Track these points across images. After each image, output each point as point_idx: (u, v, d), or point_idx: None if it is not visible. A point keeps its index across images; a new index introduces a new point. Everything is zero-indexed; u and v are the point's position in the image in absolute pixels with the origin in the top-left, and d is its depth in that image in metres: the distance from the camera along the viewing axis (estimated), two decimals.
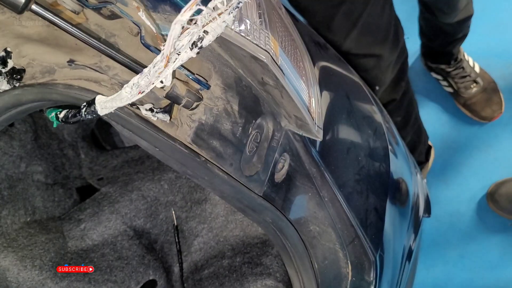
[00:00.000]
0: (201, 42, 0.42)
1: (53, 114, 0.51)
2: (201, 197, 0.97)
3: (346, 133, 0.86)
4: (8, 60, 0.56)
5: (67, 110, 0.50)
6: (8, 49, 0.57)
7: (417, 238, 1.11)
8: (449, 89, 1.79)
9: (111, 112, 0.49)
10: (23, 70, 0.56)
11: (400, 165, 1.04)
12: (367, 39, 1.10)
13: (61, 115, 0.50)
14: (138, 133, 0.52)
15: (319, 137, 0.72)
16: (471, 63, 1.75)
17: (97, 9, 0.54)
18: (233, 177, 0.60)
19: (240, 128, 0.62)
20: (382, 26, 1.12)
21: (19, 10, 0.45)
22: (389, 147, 0.97)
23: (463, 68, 1.72)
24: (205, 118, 0.57)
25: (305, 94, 0.67)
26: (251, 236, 0.96)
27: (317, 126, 0.70)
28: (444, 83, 1.79)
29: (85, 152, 0.97)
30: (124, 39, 0.56)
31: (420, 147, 1.61)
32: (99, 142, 1.08)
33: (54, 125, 0.51)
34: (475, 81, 1.73)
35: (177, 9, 0.51)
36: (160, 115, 0.53)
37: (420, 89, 1.87)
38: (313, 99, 0.70)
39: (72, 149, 0.94)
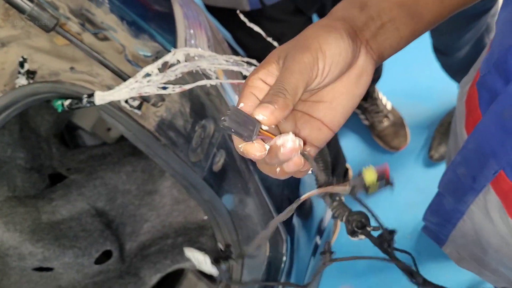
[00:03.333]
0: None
1: (59, 102, 0.73)
2: (152, 189, 1.19)
3: None
4: (25, 64, 0.77)
5: (71, 99, 0.73)
6: (25, 56, 0.79)
7: (322, 239, 1.37)
8: (366, 122, 2.13)
9: (102, 104, 0.72)
10: (35, 72, 0.77)
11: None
12: None
13: (66, 103, 0.72)
14: (119, 119, 0.75)
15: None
16: (384, 101, 2.10)
17: (95, 34, 0.77)
18: (182, 160, 0.84)
19: (190, 125, 0.86)
20: None
21: (49, 30, 0.68)
22: None
23: (377, 105, 2.07)
24: (165, 115, 0.81)
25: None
26: (191, 222, 1.19)
27: None
28: (362, 116, 2.12)
29: (56, 147, 1.17)
30: (111, 55, 0.79)
31: (339, 168, 1.90)
32: (65, 141, 1.28)
33: (59, 110, 0.73)
34: (386, 116, 2.08)
35: (152, 37, 0.76)
36: (135, 110, 0.76)
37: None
38: None
39: (46, 144, 1.14)
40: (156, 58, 0.79)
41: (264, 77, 0.43)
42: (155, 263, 1.10)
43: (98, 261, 1.08)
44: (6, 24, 0.81)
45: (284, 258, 1.10)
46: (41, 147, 1.12)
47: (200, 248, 1.11)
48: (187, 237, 1.14)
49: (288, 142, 0.41)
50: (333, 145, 1.80)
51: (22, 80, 0.76)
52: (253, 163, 1.05)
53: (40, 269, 1.01)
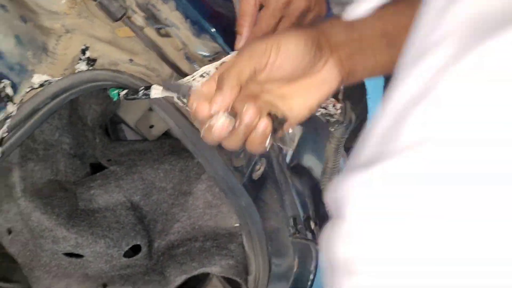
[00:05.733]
0: None
1: (116, 91, 0.75)
2: (187, 190, 1.20)
3: (310, 155, 1.12)
4: (86, 51, 0.80)
5: (127, 90, 0.74)
6: (87, 45, 0.81)
7: None
8: None
9: (157, 97, 0.73)
10: (96, 60, 0.79)
11: None
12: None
13: (123, 93, 0.73)
14: (170, 115, 0.76)
15: (290, 147, 0.97)
16: None
17: (157, 29, 0.79)
18: (225, 163, 0.84)
19: None
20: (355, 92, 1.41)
21: (116, 19, 0.70)
22: None
23: None
24: None
25: None
26: (221, 228, 1.19)
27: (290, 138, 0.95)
28: None
29: (100, 138, 1.19)
30: (170, 52, 0.80)
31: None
32: (108, 134, 1.31)
33: (115, 99, 0.75)
34: None
35: (213, 38, 0.77)
36: (187, 107, 0.77)
37: None
38: None
39: (91, 133, 1.16)
40: (214, 59, 0.79)
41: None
42: (182, 264, 1.10)
43: (126, 255, 1.08)
44: (72, 12, 0.83)
45: (312, 276, 1.08)
46: (86, 136, 1.14)
47: (228, 255, 1.10)
48: (216, 242, 1.14)
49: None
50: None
51: (82, 66, 0.78)
52: (292, 176, 1.04)
53: (70, 255, 1.03)
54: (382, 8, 0.50)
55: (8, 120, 0.64)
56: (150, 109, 1.33)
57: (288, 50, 0.50)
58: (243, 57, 0.50)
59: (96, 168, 1.16)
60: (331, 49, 0.52)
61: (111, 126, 1.33)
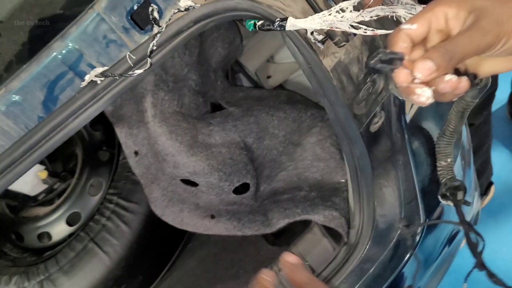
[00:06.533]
0: None
1: (252, 22, 0.78)
2: (297, 140, 1.22)
3: (430, 118, 1.08)
4: None
5: (263, 21, 0.76)
6: None
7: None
8: None
9: (292, 30, 0.75)
10: None
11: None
12: None
13: (259, 23, 0.76)
14: (301, 50, 0.77)
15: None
16: None
17: None
18: (347, 107, 0.84)
19: (362, 75, 0.86)
20: None
21: None
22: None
23: None
24: (343, 58, 0.82)
25: None
26: (327, 182, 1.20)
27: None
28: None
29: (221, 81, 1.25)
30: None
31: (482, 179, 1.76)
32: (228, 79, 1.37)
33: (250, 29, 0.78)
34: None
35: None
36: (318, 43, 0.78)
37: (499, 134, 2.02)
38: None
39: (214, 75, 1.23)
40: None
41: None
42: (286, 209, 1.13)
43: (236, 192, 1.14)
44: None
45: (417, 239, 1.05)
46: (209, 76, 1.20)
47: (332, 207, 1.11)
48: (321, 193, 1.15)
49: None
50: (484, 152, 1.66)
51: None
52: (410, 135, 1.01)
53: (186, 182, 1.10)
54: None
55: (158, 36, 0.70)
56: (269, 60, 1.37)
57: None
58: (473, 44, 0.45)
59: (216, 108, 1.22)
60: None
61: (231, 73, 1.39)
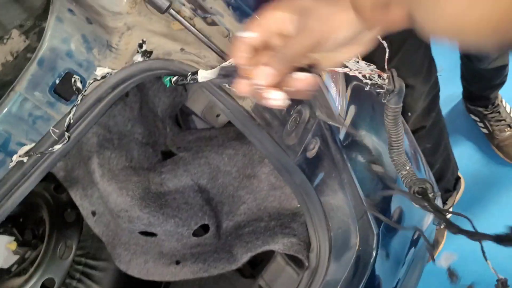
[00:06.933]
0: None
1: (168, 79, 0.82)
2: (251, 172, 1.25)
3: (367, 133, 1.12)
4: (143, 45, 0.88)
5: (177, 76, 0.81)
6: (144, 39, 0.89)
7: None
8: (485, 130, 1.98)
9: (204, 81, 0.79)
10: (151, 52, 0.87)
11: None
12: (401, 72, 1.35)
13: (174, 79, 0.80)
14: (218, 97, 0.82)
15: (340, 124, 0.98)
16: (508, 109, 1.93)
17: (204, 18, 0.85)
18: (275, 141, 0.88)
19: (285, 109, 0.90)
20: (415, 62, 1.37)
21: (162, 12, 0.77)
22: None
23: (499, 112, 1.91)
24: None
25: (333, 92, 0.94)
26: (285, 208, 1.23)
27: (339, 114, 0.96)
28: (481, 124, 1.98)
29: (170, 127, 1.29)
30: (218, 39, 0.86)
31: (448, 175, 1.80)
32: (179, 123, 1.41)
33: (167, 86, 0.82)
34: (509, 126, 1.91)
35: None
36: (233, 89, 0.82)
37: (459, 127, 2.07)
38: (338, 97, 0.97)
39: (162, 123, 1.26)
40: None
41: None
42: (248, 242, 1.15)
43: (196, 234, 1.16)
44: (133, 11, 0.92)
45: (374, 253, 1.08)
46: (156, 126, 1.24)
47: (291, 234, 1.14)
48: (280, 221, 1.18)
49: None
50: (442, 149, 1.71)
51: (138, 58, 0.86)
52: (348, 154, 1.05)
53: (145, 233, 1.13)
54: None
55: (74, 109, 0.74)
56: None
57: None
58: (305, 41, 0.49)
59: (168, 155, 1.26)
60: None
61: (183, 117, 1.43)
